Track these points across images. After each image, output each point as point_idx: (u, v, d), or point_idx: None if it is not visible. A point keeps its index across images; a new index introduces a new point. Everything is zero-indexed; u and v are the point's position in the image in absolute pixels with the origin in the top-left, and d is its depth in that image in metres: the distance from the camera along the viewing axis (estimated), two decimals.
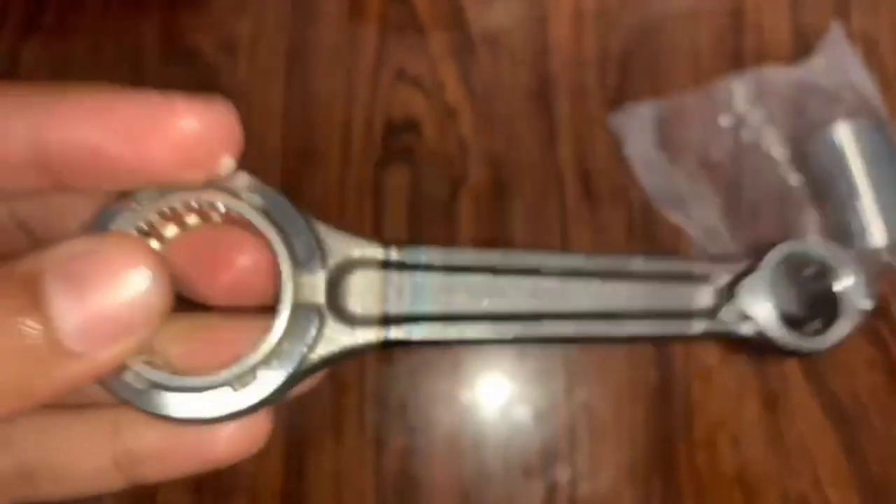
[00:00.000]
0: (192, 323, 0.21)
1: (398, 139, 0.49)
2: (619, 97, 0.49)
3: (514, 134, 0.49)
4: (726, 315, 0.23)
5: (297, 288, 0.21)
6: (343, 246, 0.22)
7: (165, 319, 0.17)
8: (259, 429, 0.21)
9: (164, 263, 0.17)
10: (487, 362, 0.46)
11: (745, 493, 0.43)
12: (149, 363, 0.19)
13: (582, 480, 0.44)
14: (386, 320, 0.22)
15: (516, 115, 0.49)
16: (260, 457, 0.45)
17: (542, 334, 0.23)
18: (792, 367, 0.44)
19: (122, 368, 0.19)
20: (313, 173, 0.48)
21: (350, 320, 0.22)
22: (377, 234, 0.48)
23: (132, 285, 0.16)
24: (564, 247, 0.47)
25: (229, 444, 0.20)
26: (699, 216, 0.46)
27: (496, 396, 0.45)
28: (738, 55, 0.49)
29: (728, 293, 0.24)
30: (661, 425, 0.44)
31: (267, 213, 0.21)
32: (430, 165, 0.48)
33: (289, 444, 0.45)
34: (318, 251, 0.21)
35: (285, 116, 0.50)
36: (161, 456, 0.21)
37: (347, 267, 0.22)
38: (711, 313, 0.24)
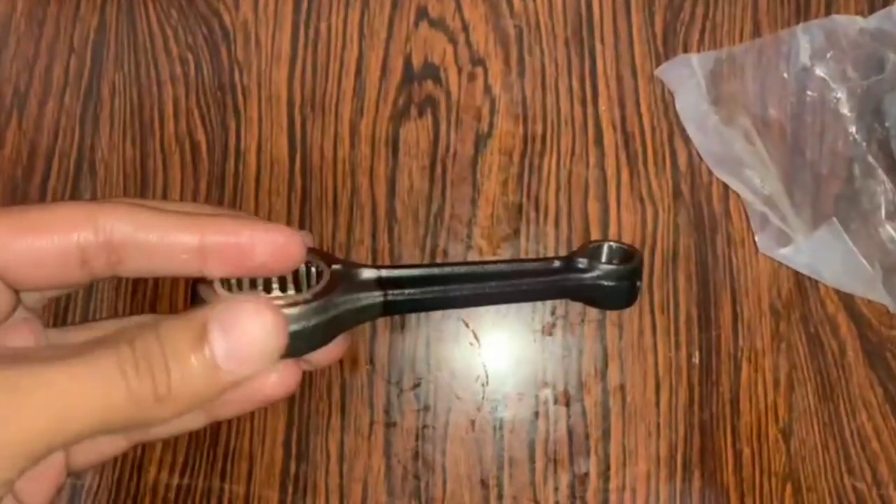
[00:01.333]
0: None
1: (418, 88, 0.44)
2: (668, 46, 0.44)
3: (549, 85, 0.44)
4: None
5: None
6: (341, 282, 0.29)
7: (281, 354, 0.25)
8: (295, 373, 0.27)
9: (281, 318, 0.25)
10: (511, 336, 0.42)
11: (796, 491, 0.39)
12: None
13: (613, 472, 0.40)
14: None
15: (551, 65, 0.44)
16: (262, 438, 0.41)
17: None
18: (854, 352, 0.39)
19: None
20: (323, 125, 0.44)
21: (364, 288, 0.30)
22: (391, 196, 0.43)
23: (259, 329, 0.25)
24: (604, 211, 0.42)
25: (274, 386, 0.26)
26: (755, 181, 0.41)
27: (520, 375, 0.41)
28: (803, 2, 0.43)
29: None
30: (704, 413, 0.40)
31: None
32: (452, 119, 0.43)
33: (291, 425, 0.41)
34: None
35: (292, 60, 0.44)
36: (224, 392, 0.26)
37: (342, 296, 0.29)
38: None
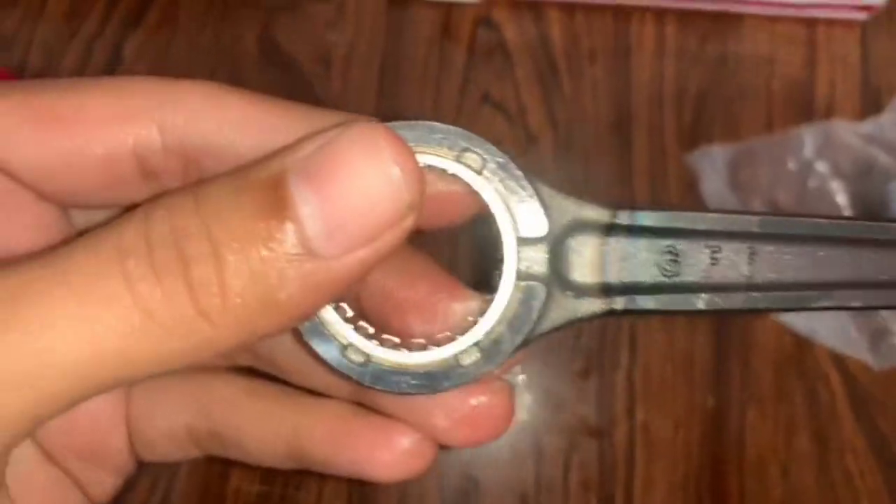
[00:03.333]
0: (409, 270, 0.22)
1: None
2: (693, 135, 0.52)
3: (592, 163, 0.52)
4: None
5: (520, 260, 0.20)
6: (567, 211, 0.21)
7: (416, 220, 0.16)
8: (425, 453, 0.22)
9: (410, 153, 0.16)
10: (550, 379, 0.49)
11: None
12: (362, 329, 0.20)
13: (636, 496, 0.47)
14: (608, 288, 0.22)
15: (595, 146, 0.52)
16: None
17: (780, 303, 0.22)
18: (843, 405, 0.47)
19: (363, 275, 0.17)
20: None
21: (573, 289, 0.21)
22: (447, 258, 0.50)
23: (376, 178, 0.15)
24: None
25: (387, 468, 0.21)
26: None
27: (559, 411, 0.48)
28: (808, 105, 0.51)
29: None
30: (715, 448, 0.47)
31: (489, 174, 0.20)
32: None
33: None
34: (544, 219, 0.20)
35: None
36: (325, 460, 0.22)
37: (568, 232, 0.21)
38: None
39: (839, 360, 0.48)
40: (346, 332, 0.20)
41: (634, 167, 0.51)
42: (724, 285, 0.21)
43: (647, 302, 0.21)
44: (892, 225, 0.22)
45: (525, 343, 0.21)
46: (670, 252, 0.21)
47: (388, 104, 0.52)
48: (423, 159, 0.19)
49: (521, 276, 0.20)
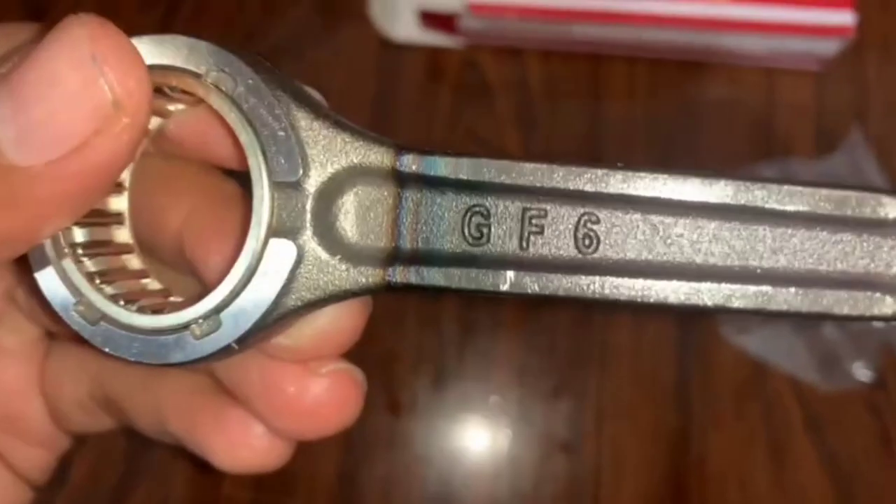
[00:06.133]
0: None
1: None
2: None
3: None
4: None
5: (274, 209, 0.16)
6: (343, 151, 0.17)
7: (140, 129, 0.14)
8: (264, 446, 0.20)
9: (119, 46, 0.14)
10: (525, 396, 0.52)
11: None
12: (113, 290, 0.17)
13: None
14: (395, 256, 0.17)
15: None
16: (317, 461, 0.51)
17: (626, 294, 0.16)
18: (797, 423, 0.50)
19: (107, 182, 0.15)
20: None
21: (348, 254, 0.17)
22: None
23: (69, 74, 0.14)
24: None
25: (226, 458, 0.20)
26: None
27: (531, 428, 0.51)
28: (768, 146, 0.56)
29: None
30: (678, 464, 0.50)
31: (238, 102, 0.16)
32: None
33: (345, 452, 0.51)
34: (304, 157, 0.16)
35: None
36: (183, 438, 0.21)
37: (347, 179, 0.17)
38: None
39: (794, 383, 0.51)
40: (80, 283, 0.17)
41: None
42: (546, 263, 0.16)
43: (435, 276, 0.17)
44: (869, 195, 0.16)
45: (280, 317, 0.17)
46: (479, 213, 0.17)
47: None
48: (165, 78, 0.17)
49: (273, 230, 0.16)
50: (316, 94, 0.19)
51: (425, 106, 0.57)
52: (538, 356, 0.53)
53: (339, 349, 0.19)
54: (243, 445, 0.20)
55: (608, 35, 0.55)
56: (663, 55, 0.57)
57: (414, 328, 0.53)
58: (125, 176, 0.20)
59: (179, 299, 0.19)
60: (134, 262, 0.20)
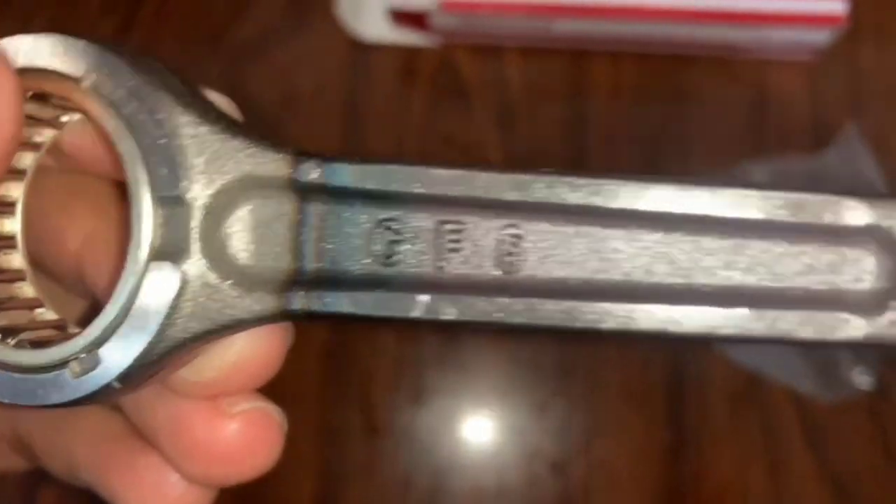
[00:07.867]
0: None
1: None
2: (648, 172, 0.53)
3: None
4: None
5: (156, 228, 0.14)
6: (231, 159, 0.15)
7: (14, 130, 0.14)
8: (177, 495, 0.18)
9: None
10: (511, 412, 0.49)
11: None
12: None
13: None
14: (296, 279, 0.15)
15: None
16: (290, 489, 0.48)
17: (557, 320, 0.14)
18: (796, 436, 0.48)
19: None
20: None
21: (241, 278, 0.15)
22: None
23: None
24: None
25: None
26: None
27: (517, 446, 0.49)
28: (761, 142, 0.53)
29: None
30: (673, 482, 0.48)
31: (118, 107, 0.15)
32: None
33: (321, 478, 0.48)
34: (188, 168, 0.14)
35: None
36: (95, 485, 0.19)
37: (240, 192, 0.15)
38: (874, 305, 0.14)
39: (793, 393, 0.48)
40: None
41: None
42: (465, 284, 0.14)
43: (341, 302, 0.15)
44: (832, 199, 0.14)
45: (165, 351, 0.15)
46: (390, 228, 0.14)
47: (353, 147, 0.54)
48: (38, 83, 0.15)
49: (154, 252, 0.15)
50: (217, 97, 0.17)
51: (398, 109, 0.54)
52: (524, 369, 0.50)
53: (254, 383, 0.17)
54: (156, 495, 0.18)
55: (591, 30, 0.52)
56: (649, 49, 0.54)
57: (392, 342, 0.51)
58: (18, 195, 0.18)
59: (76, 330, 0.17)
60: (27, 289, 0.18)
